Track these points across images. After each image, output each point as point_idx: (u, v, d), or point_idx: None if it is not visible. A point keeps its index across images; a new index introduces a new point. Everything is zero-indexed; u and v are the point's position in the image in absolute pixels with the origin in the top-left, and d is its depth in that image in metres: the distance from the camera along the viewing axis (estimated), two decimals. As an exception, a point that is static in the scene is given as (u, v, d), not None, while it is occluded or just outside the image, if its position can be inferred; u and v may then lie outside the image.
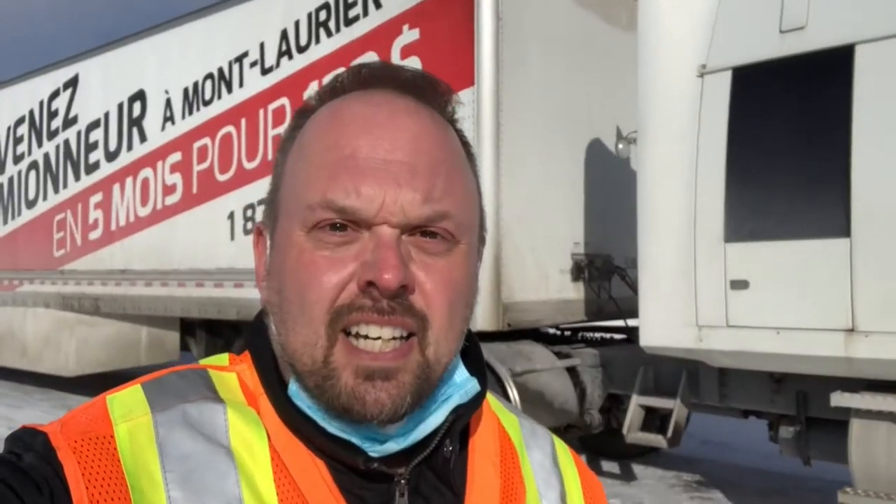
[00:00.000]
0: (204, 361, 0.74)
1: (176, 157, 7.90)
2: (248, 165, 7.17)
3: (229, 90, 7.43)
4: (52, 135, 9.51)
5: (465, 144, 0.73)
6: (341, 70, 0.73)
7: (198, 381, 0.69)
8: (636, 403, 5.30)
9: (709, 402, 5.11)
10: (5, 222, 10.12)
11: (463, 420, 0.70)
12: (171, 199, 7.93)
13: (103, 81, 8.85)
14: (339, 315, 0.63)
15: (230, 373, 0.71)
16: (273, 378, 0.69)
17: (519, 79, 5.67)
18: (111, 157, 8.71)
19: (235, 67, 7.38)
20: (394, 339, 0.63)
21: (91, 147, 8.99)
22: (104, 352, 8.60)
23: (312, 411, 0.66)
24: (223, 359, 0.74)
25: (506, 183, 5.51)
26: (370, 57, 6.24)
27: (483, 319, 5.36)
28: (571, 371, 5.69)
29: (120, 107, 8.60)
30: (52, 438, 0.62)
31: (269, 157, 6.98)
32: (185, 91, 7.84)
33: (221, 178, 7.41)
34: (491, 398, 0.81)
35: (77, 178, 9.13)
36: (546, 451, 0.81)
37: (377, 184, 0.63)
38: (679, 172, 4.63)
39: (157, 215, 8.06)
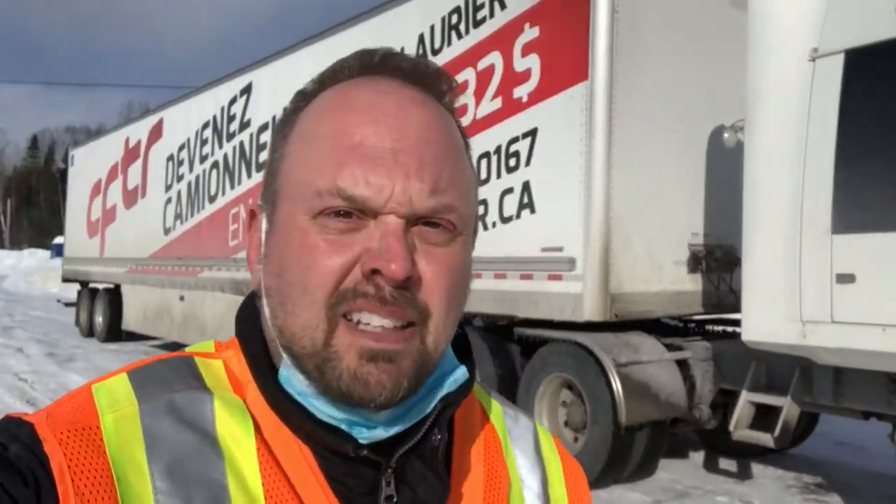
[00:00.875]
0: (190, 349, 0.73)
1: (330, 155, 8.48)
2: (388, 162, 7.56)
3: (373, 93, 7.86)
4: (230, 137, 10.48)
5: (464, 136, 0.72)
6: (345, 56, 0.71)
7: (184, 369, 0.68)
8: (745, 399, 5.07)
9: (823, 402, 4.79)
10: (192, 215, 11.30)
11: (452, 408, 0.69)
12: (323, 194, 8.52)
13: (271, 87, 9.62)
14: (343, 299, 0.62)
15: (216, 360, 0.70)
16: (263, 364, 0.68)
17: (635, 70, 5.58)
18: (277, 156, 9.48)
19: (380, 71, 7.79)
20: (395, 328, 0.63)
21: (261, 147, 9.80)
22: (266, 332, 9.39)
23: (303, 397, 0.65)
24: (209, 346, 0.73)
25: (617, 175, 5.46)
26: (494, 57, 6.39)
27: (590, 310, 5.36)
28: (682, 364, 5.53)
29: (284, 110, 9.32)
30: (38, 429, 0.61)
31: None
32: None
33: (365, 174, 7.86)
34: (475, 386, 0.78)
35: (249, 175, 10.01)
36: (528, 438, 0.81)
37: (386, 174, 0.62)
38: (786, 160, 4.39)
39: (312, 208, 8.69)
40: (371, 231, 0.63)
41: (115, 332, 13.64)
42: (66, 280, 16.61)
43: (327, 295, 0.62)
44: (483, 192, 6.32)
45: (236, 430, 0.64)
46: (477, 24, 6.62)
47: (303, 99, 0.70)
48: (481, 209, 6.33)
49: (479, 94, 6.47)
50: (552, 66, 5.86)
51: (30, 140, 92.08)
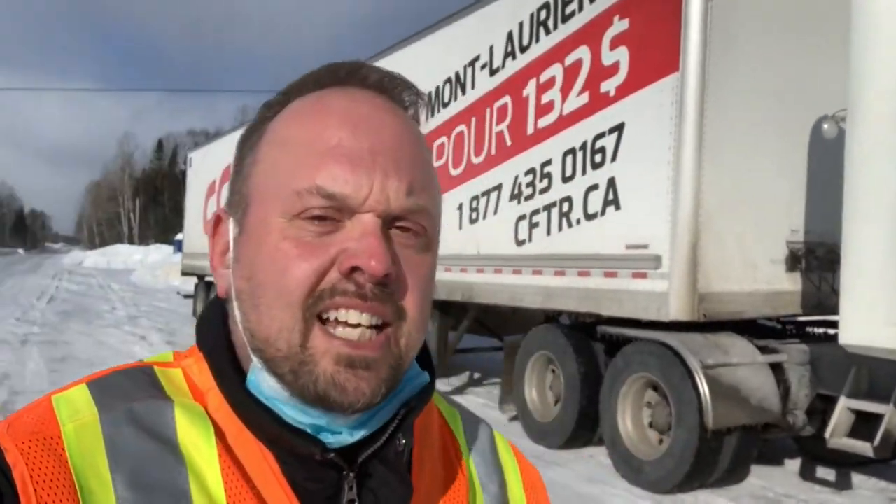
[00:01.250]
0: (149, 359, 0.72)
1: (420, 154, 8.50)
2: (476, 160, 7.51)
3: (463, 92, 7.82)
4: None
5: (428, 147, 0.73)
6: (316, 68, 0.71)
7: (143, 379, 0.67)
8: (844, 406, 4.69)
9: (931, 412, 4.37)
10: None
11: (415, 413, 0.68)
12: (415, 193, 8.56)
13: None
14: (320, 299, 0.61)
15: (175, 369, 0.70)
16: (228, 369, 0.67)
17: (729, 59, 5.28)
18: (371, 156, 9.59)
19: (469, 71, 7.74)
20: (371, 326, 0.62)
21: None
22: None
23: (270, 401, 0.64)
24: (168, 355, 0.73)
25: (708, 169, 5.19)
26: (582, 52, 6.22)
27: (676, 309, 5.12)
28: (776, 367, 5.18)
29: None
30: None
31: (493, 152, 7.25)
32: (429, 95, 8.31)
33: (454, 172, 7.83)
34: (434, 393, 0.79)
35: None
36: (486, 443, 0.81)
37: (365, 172, 0.62)
38: (891, 152, 4.03)
39: (404, 207, 8.74)
40: (347, 232, 0.62)
41: (227, 323, 14.22)
42: (184, 274, 17.56)
43: (304, 297, 0.61)
44: (567, 188, 6.17)
45: (197, 438, 0.63)
46: (565, 18, 6.47)
47: (269, 110, 0.70)
48: (566, 206, 6.18)
49: (565, 90, 6.31)
50: (641, 59, 5.64)
51: (156, 143, 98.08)
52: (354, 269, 0.61)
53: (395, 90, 0.69)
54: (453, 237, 7.72)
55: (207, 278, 15.65)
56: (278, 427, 0.63)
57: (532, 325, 6.90)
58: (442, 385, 9.09)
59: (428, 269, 0.67)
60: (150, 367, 0.69)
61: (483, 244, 7.31)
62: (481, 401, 8.24)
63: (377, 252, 0.60)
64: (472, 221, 7.47)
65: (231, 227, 0.69)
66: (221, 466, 0.62)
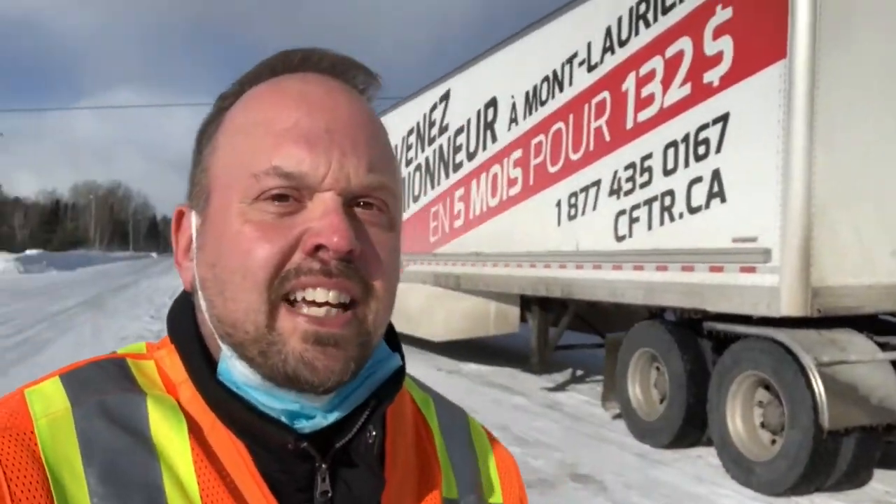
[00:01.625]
0: (122, 350, 0.70)
1: (518, 153, 8.39)
2: (574, 157, 7.32)
3: (560, 89, 7.66)
4: (431, 141, 10.77)
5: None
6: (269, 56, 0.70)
7: (116, 371, 0.65)
8: (980, 408, 4.22)
9: None
10: (398, 214, 11.78)
11: (387, 402, 0.66)
12: (514, 191, 8.45)
13: (467, 93, 9.74)
14: (286, 279, 0.60)
15: (148, 361, 0.68)
16: (198, 359, 0.65)
17: (842, 44, 4.89)
18: (471, 157, 9.56)
19: (566, 68, 7.57)
20: (338, 305, 0.60)
21: (457, 149, 9.98)
22: (463, 322, 9.51)
23: (242, 390, 0.62)
24: (141, 347, 0.71)
25: (820, 158, 4.82)
26: (684, 43, 5.94)
27: (788, 304, 4.78)
28: (900, 365, 4.74)
29: (478, 113, 9.37)
30: None
31: (591, 148, 7.05)
32: (527, 94, 8.26)
33: (552, 169, 7.68)
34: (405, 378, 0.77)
35: (447, 176, 10.23)
36: (460, 429, 0.79)
37: (323, 151, 0.61)
38: None
39: (502, 205, 8.67)
40: (309, 212, 0.61)
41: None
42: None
43: (269, 278, 0.60)
44: (669, 182, 5.90)
45: (169, 431, 0.61)
46: (665, 10, 6.20)
47: (224, 100, 0.69)
48: (668, 200, 5.91)
49: (666, 82, 6.04)
50: (746, 47, 5.32)
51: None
52: (319, 247, 0.59)
53: (348, 73, 0.68)
54: (552, 234, 7.57)
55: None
56: (250, 416, 0.61)
57: (634, 321, 6.66)
58: (544, 382, 8.92)
59: (394, 248, 0.65)
60: (122, 359, 0.67)
61: (582, 240, 7.12)
62: (584, 398, 8.03)
63: (339, 228, 0.59)
64: (571, 218, 7.29)
65: (193, 220, 0.67)
66: (194, 459, 0.61)
